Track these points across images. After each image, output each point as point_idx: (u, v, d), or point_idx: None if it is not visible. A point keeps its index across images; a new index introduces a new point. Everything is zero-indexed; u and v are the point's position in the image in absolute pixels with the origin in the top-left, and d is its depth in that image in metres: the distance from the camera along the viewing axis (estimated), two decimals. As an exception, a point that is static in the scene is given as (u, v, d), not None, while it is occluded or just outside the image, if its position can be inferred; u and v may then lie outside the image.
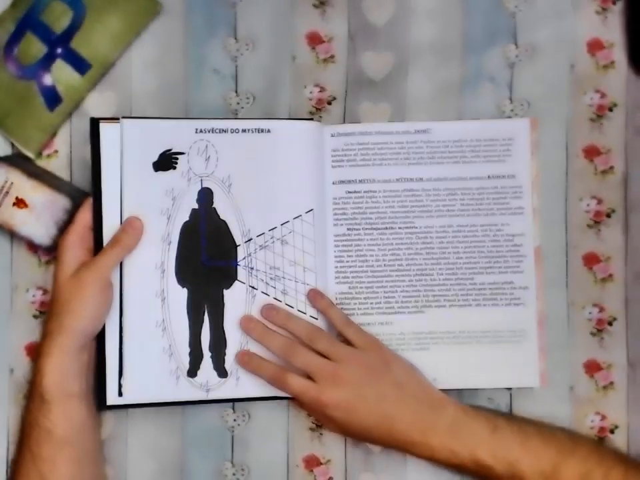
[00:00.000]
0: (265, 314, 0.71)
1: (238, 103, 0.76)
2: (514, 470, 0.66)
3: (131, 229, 0.69)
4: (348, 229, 0.73)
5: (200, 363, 0.71)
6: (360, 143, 0.73)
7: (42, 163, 0.75)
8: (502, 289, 0.73)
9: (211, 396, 0.71)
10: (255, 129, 0.72)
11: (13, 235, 0.74)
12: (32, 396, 0.68)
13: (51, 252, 0.73)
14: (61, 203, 0.71)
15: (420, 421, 0.68)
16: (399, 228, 0.73)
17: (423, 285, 0.73)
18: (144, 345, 0.70)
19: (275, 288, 0.71)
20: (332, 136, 0.73)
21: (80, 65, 0.73)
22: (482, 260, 0.73)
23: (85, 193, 0.72)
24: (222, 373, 0.71)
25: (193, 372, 0.71)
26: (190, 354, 0.71)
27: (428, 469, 0.74)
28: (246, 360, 0.71)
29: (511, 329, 0.73)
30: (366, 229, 0.73)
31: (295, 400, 0.71)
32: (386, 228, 0.73)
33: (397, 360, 0.70)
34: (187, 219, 0.71)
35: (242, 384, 0.71)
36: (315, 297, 0.72)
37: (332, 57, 0.76)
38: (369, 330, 0.72)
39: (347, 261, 0.73)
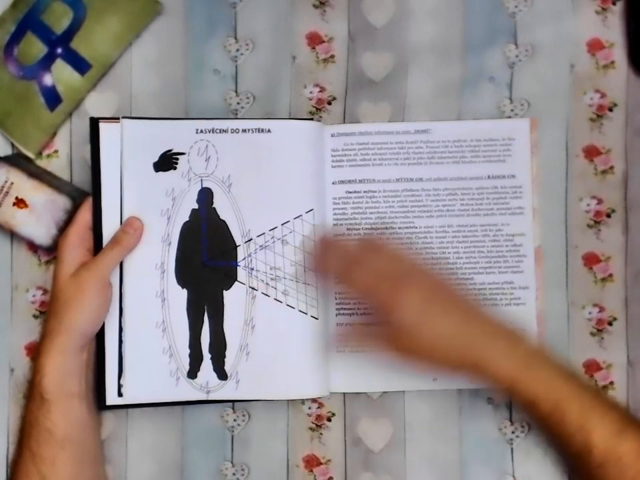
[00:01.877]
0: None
1: (238, 103, 0.76)
2: (584, 422, 0.60)
3: (131, 229, 0.69)
4: (348, 229, 0.73)
5: (200, 364, 0.71)
6: (360, 142, 0.74)
7: (42, 162, 0.75)
8: (502, 288, 0.73)
9: (211, 397, 0.71)
10: (255, 129, 0.71)
11: (13, 235, 0.74)
12: (32, 395, 0.68)
13: (51, 252, 0.73)
14: (61, 202, 0.71)
15: (499, 344, 0.63)
16: (399, 228, 0.73)
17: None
18: (144, 345, 0.70)
19: (275, 289, 0.71)
20: (332, 136, 0.74)
21: (80, 65, 0.74)
22: (482, 260, 0.73)
23: (85, 193, 0.72)
24: (222, 375, 0.71)
25: (192, 373, 0.71)
26: (190, 355, 0.71)
27: (428, 469, 0.74)
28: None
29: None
30: (366, 228, 0.73)
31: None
32: (386, 228, 0.73)
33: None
34: (187, 219, 0.71)
35: (242, 387, 0.71)
36: None
37: (332, 57, 0.76)
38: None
39: (347, 261, 0.73)
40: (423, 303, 0.63)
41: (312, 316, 0.71)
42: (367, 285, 0.64)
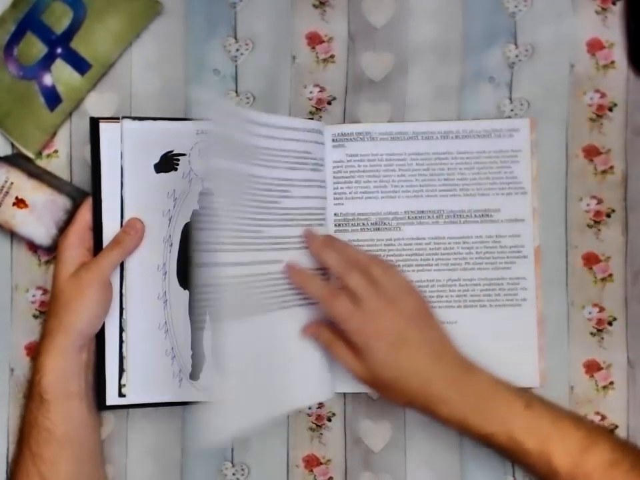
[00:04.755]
0: (308, 239, 0.70)
1: (238, 103, 0.76)
2: (543, 448, 0.62)
3: (132, 230, 0.69)
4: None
5: (202, 366, 0.71)
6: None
7: (42, 162, 0.75)
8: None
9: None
10: (256, 129, 0.71)
11: (13, 235, 0.74)
12: (31, 395, 0.68)
13: (51, 252, 0.73)
14: (61, 202, 0.71)
15: (457, 382, 0.65)
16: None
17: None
18: (147, 346, 0.70)
19: (276, 289, 0.71)
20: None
21: (80, 64, 0.73)
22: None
23: (85, 193, 0.72)
24: (224, 376, 0.71)
25: (195, 375, 0.71)
26: (192, 357, 0.71)
27: (428, 469, 0.74)
28: (293, 273, 0.68)
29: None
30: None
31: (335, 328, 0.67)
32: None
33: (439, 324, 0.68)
34: (189, 220, 0.71)
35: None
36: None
37: (332, 57, 0.76)
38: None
39: (347, 261, 0.73)
40: (397, 337, 0.64)
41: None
42: (359, 285, 0.65)
